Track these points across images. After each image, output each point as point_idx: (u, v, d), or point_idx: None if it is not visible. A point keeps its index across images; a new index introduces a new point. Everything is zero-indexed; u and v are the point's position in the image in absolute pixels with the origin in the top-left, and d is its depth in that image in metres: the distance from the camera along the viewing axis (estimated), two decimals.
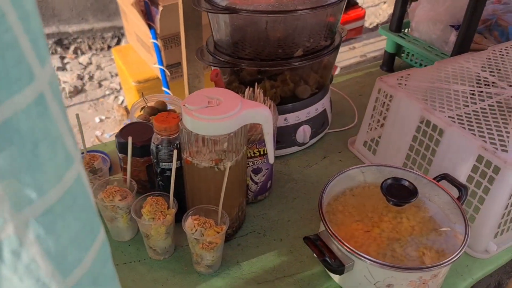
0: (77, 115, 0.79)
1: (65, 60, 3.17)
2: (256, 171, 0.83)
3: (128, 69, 2.15)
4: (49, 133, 0.22)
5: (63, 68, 3.08)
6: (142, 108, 0.97)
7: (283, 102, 0.92)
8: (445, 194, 0.77)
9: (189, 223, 0.71)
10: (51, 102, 0.23)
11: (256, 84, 0.82)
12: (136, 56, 2.24)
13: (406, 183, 0.74)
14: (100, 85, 2.87)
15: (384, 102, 0.91)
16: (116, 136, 0.84)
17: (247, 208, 0.86)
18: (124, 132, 0.84)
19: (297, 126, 0.94)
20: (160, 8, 1.82)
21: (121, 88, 2.76)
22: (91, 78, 2.95)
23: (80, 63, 3.13)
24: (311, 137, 0.97)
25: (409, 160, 0.87)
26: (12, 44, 0.20)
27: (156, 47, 1.89)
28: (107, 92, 2.78)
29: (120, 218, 0.77)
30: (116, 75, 2.89)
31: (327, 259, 0.68)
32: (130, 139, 0.75)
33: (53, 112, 0.23)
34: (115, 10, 3.28)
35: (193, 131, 0.68)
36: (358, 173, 0.82)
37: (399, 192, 0.73)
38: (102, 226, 0.28)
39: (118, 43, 3.31)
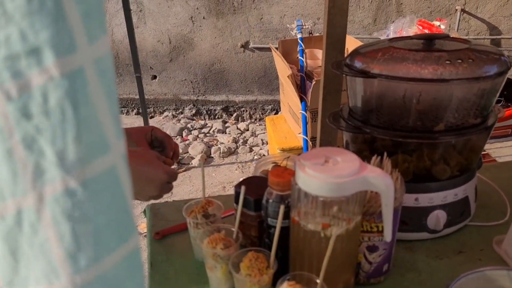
0: (201, 156, 0.82)
1: (227, 125, 3.45)
2: (372, 249, 0.74)
3: (276, 137, 2.24)
4: (81, 110, 0.21)
5: (223, 131, 3.35)
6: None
7: (416, 180, 0.83)
8: None
9: None
10: (92, 80, 0.22)
11: (385, 153, 0.76)
12: (285, 125, 2.32)
13: None
14: (251, 150, 3.02)
15: None
16: (235, 186, 0.84)
17: None
18: (243, 184, 0.84)
19: (429, 209, 0.83)
20: (313, 82, 1.88)
21: (268, 155, 2.87)
22: (244, 142, 3.14)
23: (238, 128, 3.37)
24: (446, 226, 0.84)
25: None
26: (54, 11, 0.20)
27: (304, 118, 1.93)
28: (255, 157, 2.91)
29: (219, 268, 0.75)
30: (267, 143, 3.03)
31: None
32: (242, 188, 0.74)
33: (92, 91, 0.22)
34: (277, 86, 3.50)
35: (303, 188, 0.64)
36: (500, 276, 0.67)
37: None
38: (137, 237, 0.26)
39: (275, 115, 3.50)
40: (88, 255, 0.23)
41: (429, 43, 0.82)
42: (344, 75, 0.84)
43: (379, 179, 0.63)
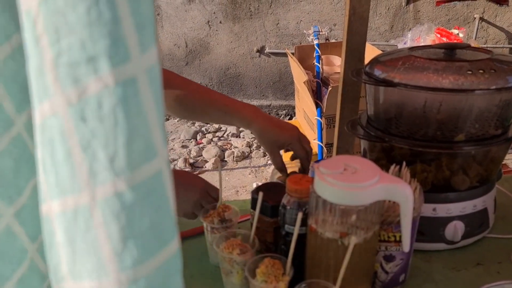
0: (215, 160, 0.82)
1: (241, 129, 3.46)
2: (388, 258, 0.73)
3: None
4: (132, 117, 0.22)
5: (237, 135, 3.36)
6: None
7: (434, 190, 0.82)
8: None
9: None
10: (144, 88, 0.23)
11: (404, 163, 0.76)
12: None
13: None
14: (264, 155, 3.02)
15: None
16: (252, 192, 0.84)
17: None
18: (260, 190, 0.84)
19: (447, 220, 0.82)
20: (329, 88, 1.87)
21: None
22: (258, 147, 3.14)
23: (252, 133, 3.37)
24: (464, 237, 0.84)
25: None
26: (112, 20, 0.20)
27: (319, 124, 1.93)
28: (268, 162, 2.91)
29: (235, 273, 0.75)
30: None
31: None
32: (260, 194, 0.75)
33: (143, 99, 0.23)
34: (292, 91, 3.51)
35: (322, 196, 0.64)
36: None
37: None
38: (178, 240, 0.27)
39: (289, 120, 3.50)
40: (133, 256, 0.24)
41: (450, 53, 0.82)
42: (363, 83, 0.83)
43: (399, 189, 0.63)
